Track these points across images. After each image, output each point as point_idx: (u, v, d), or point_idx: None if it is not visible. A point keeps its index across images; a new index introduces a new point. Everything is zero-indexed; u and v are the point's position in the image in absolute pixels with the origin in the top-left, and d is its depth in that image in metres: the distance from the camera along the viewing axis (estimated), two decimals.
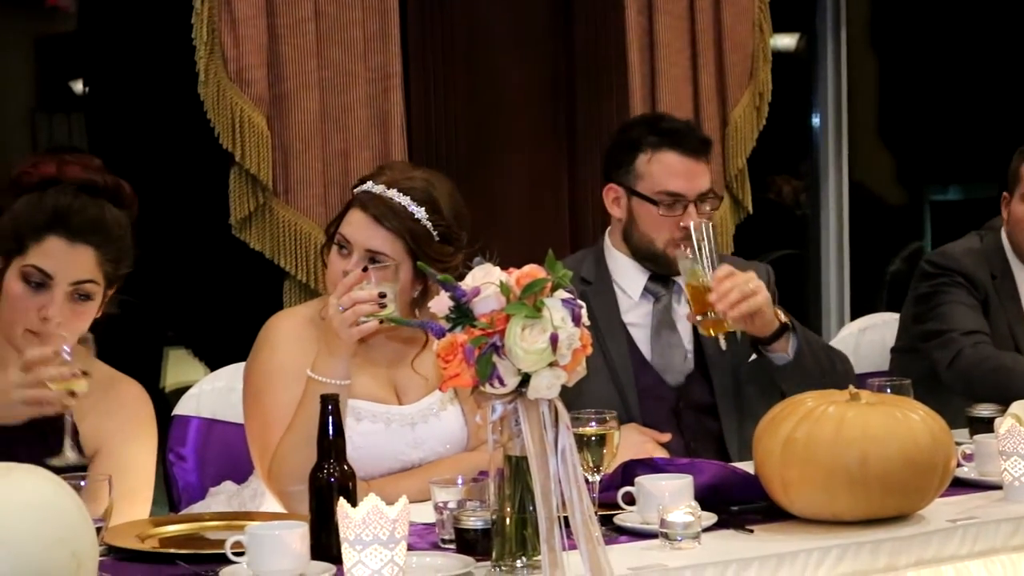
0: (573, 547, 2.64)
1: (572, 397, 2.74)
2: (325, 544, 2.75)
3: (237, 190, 4.68)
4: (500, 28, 5.22)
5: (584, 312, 2.67)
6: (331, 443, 2.84)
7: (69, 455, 2.95)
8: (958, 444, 3.32)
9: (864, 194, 6.61)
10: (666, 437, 3.86)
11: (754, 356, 4.03)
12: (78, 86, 5.56)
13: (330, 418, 2.85)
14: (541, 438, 2.64)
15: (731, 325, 3.71)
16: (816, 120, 6.34)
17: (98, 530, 2.74)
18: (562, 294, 2.65)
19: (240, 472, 3.70)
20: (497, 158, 5.22)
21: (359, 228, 3.40)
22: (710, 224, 3.75)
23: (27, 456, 2.69)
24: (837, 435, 3.00)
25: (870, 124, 7.04)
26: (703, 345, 4.04)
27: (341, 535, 2.61)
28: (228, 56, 4.61)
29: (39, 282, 3.21)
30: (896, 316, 4.78)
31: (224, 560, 2.70)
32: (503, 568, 2.71)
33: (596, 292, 4.00)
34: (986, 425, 3.60)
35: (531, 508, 2.66)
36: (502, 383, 2.61)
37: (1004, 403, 3.67)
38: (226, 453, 3.82)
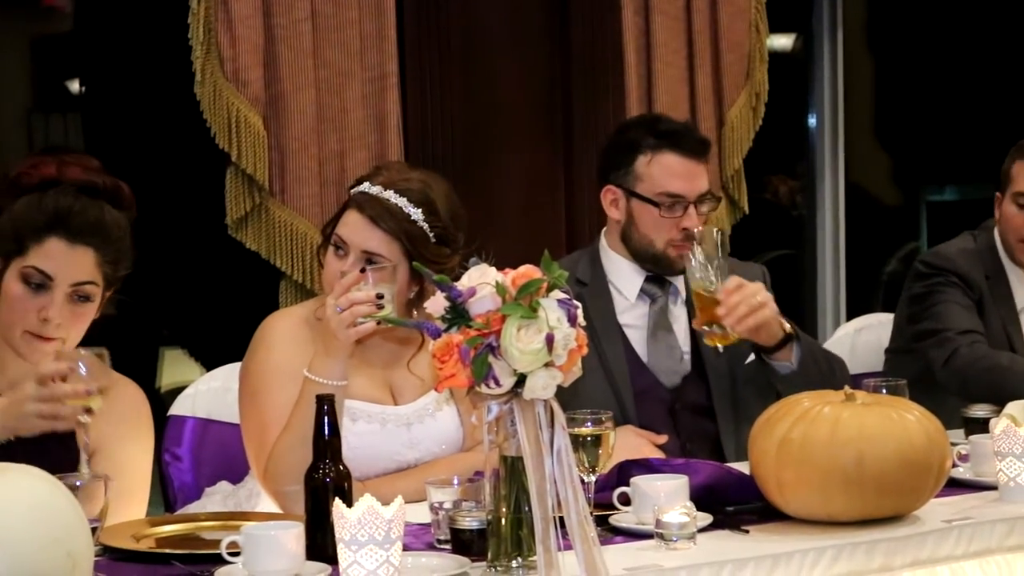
0: (569, 547, 2.64)
1: (568, 398, 2.74)
2: (321, 544, 2.76)
3: (233, 190, 4.68)
4: (496, 28, 5.22)
5: (580, 312, 2.67)
6: (327, 443, 2.85)
7: (84, 473, 2.95)
8: (953, 445, 3.32)
9: (860, 195, 6.61)
10: (662, 439, 3.86)
11: (752, 358, 4.04)
12: (74, 86, 5.56)
13: (326, 418, 2.85)
14: (537, 438, 2.64)
15: (736, 337, 3.72)
16: (812, 120, 6.34)
17: (94, 530, 2.74)
18: (558, 294, 2.66)
19: (236, 472, 3.70)
20: (493, 158, 5.22)
21: (355, 229, 3.40)
22: (721, 232, 3.75)
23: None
24: (833, 436, 3.00)
25: (866, 125, 7.04)
26: (699, 346, 4.04)
27: (337, 535, 2.61)
28: (224, 56, 4.61)
29: (39, 283, 3.21)
30: (892, 316, 4.79)
31: (220, 560, 2.70)
32: (499, 568, 2.72)
33: (592, 293, 4.00)
34: (981, 426, 3.60)
35: (527, 508, 2.66)
36: (498, 383, 2.61)
37: (999, 402, 3.68)
38: (222, 453, 3.82)
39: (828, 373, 3.86)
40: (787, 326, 3.82)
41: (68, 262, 3.21)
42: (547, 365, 2.62)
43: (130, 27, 5.39)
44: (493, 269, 2.67)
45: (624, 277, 4.07)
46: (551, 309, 2.63)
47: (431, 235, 3.40)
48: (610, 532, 3.02)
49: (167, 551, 2.87)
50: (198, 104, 4.62)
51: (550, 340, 2.60)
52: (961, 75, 7.05)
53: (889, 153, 7.19)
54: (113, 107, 5.48)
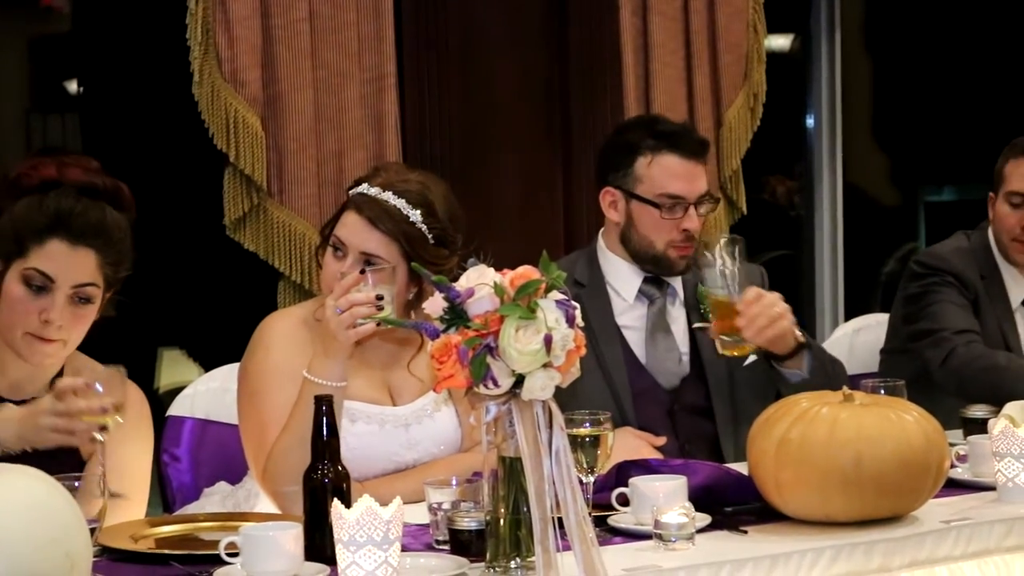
0: (567, 548, 2.64)
1: (566, 399, 2.74)
2: (319, 545, 2.76)
3: (231, 191, 4.67)
4: (494, 29, 5.22)
5: (578, 313, 2.67)
6: (325, 444, 2.85)
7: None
8: (952, 445, 3.32)
9: (858, 195, 6.61)
10: (661, 441, 3.86)
11: (751, 359, 4.04)
12: (73, 86, 5.56)
13: (324, 419, 2.85)
14: (535, 439, 2.64)
15: (751, 348, 3.72)
16: (810, 121, 6.34)
17: (92, 531, 2.74)
18: (556, 295, 2.66)
19: (234, 473, 3.70)
20: (491, 159, 5.22)
21: (354, 230, 3.40)
22: (741, 240, 3.75)
23: None
24: (831, 436, 3.00)
25: (864, 125, 7.04)
26: (699, 347, 4.04)
27: (335, 536, 2.61)
28: (222, 57, 4.60)
29: (40, 285, 3.21)
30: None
31: (218, 561, 2.70)
32: (497, 569, 2.72)
33: (590, 295, 4.00)
34: (980, 426, 3.61)
35: (525, 509, 2.66)
36: (496, 384, 2.61)
37: (996, 402, 3.68)
38: (220, 454, 3.82)
39: (834, 379, 3.86)
40: (800, 336, 3.82)
41: (69, 264, 3.21)
42: (545, 366, 2.62)
43: (128, 28, 5.38)
44: (491, 270, 2.67)
45: (622, 278, 4.07)
46: (549, 310, 2.63)
47: (429, 236, 3.40)
48: (609, 533, 3.02)
49: (166, 552, 2.87)
50: (196, 104, 4.62)
51: (548, 341, 2.60)
52: (959, 75, 7.06)
53: (887, 153, 7.19)
54: (111, 107, 5.48)
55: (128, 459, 3.27)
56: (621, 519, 3.05)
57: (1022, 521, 3.19)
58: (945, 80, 7.07)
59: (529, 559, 2.69)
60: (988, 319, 4.54)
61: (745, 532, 3.04)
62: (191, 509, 3.62)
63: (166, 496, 3.82)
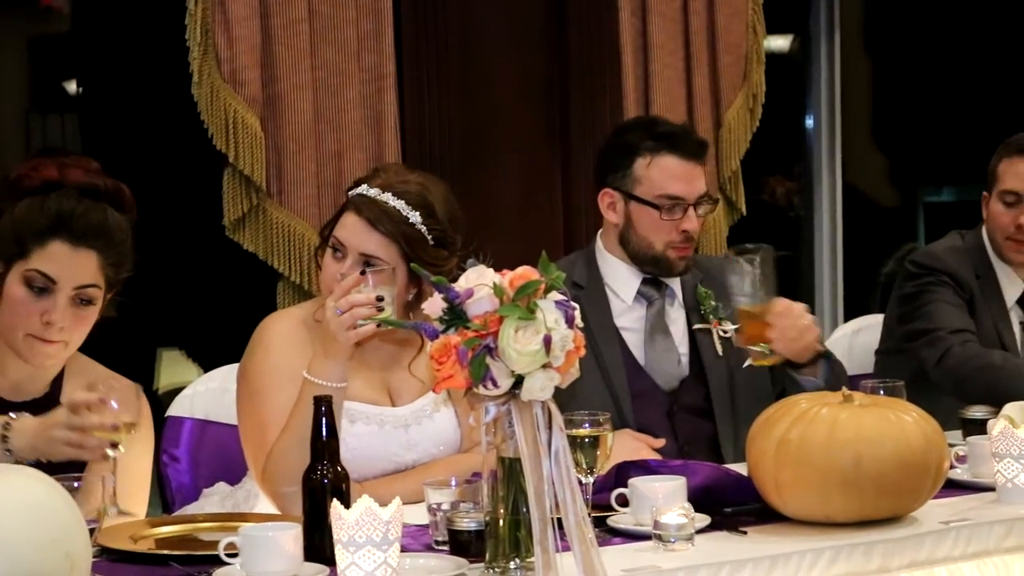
0: (567, 549, 2.64)
1: (566, 400, 2.74)
2: (319, 545, 2.75)
3: (231, 191, 4.67)
4: (494, 29, 5.22)
5: (578, 314, 2.67)
6: (324, 445, 2.85)
7: (110, 512, 2.94)
8: (951, 446, 3.32)
9: (857, 196, 6.61)
10: (660, 443, 3.86)
11: (751, 361, 4.04)
12: (72, 87, 5.56)
13: (323, 419, 2.85)
14: (534, 440, 2.64)
15: (780, 359, 3.72)
16: (810, 122, 6.34)
17: (91, 531, 2.74)
18: (555, 296, 2.66)
19: (234, 473, 3.70)
20: (491, 159, 5.22)
21: (353, 232, 3.40)
22: (771, 249, 3.75)
23: None
24: (830, 437, 3.00)
25: (863, 126, 7.04)
26: (698, 348, 4.04)
27: (334, 536, 2.61)
28: (222, 57, 4.60)
29: (42, 287, 3.20)
30: None
31: (217, 561, 2.70)
32: (496, 570, 2.72)
33: (589, 296, 3.99)
34: (979, 427, 3.61)
35: (524, 510, 2.66)
36: (495, 385, 2.61)
37: (993, 401, 3.70)
38: (220, 454, 3.82)
39: (845, 386, 3.87)
40: (819, 345, 3.82)
41: (71, 265, 3.20)
42: (545, 366, 2.62)
43: (127, 28, 5.38)
44: (491, 270, 2.67)
45: (621, 280, 4.07)
46: (549, 310, 2.63)
47: (429, 238, 3.40)
48: (608, 533, 3.02)
49: (165, 552, 2.87)
50: (195, 105, 4.62)
51: (548, 341, 2.60)
52: (958, 76, 7.05)
53: (886, 154, 7.19)
54: (110, 108, 5.48)
55: (128, 460, 3.25)
56: (620, 520, 3.05)
57: (1021, 522, 3.19)
58: (944, 81, 7.07)
59: (528, 560, 2.69)
60: (983, 318, 4.55)
61: (744, 533, 3.04)
62: (190, 509, 3.62)
63: (165, 497, 3.82)
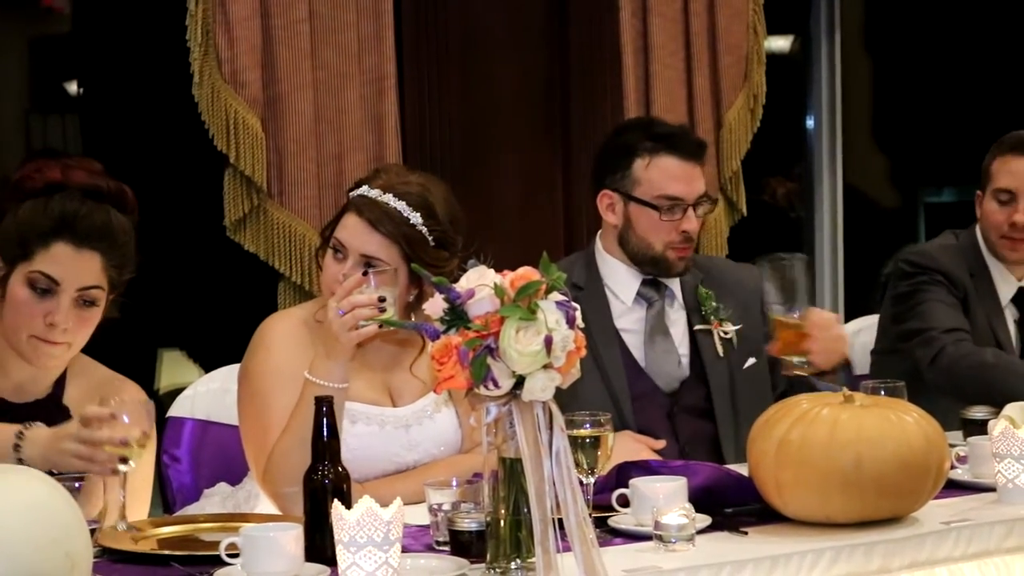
0: (567, 549, 2.64)
1: (566, 401, 2.74)
2: (320, 546, 2.76)
3: (231, 192, 4.68)
4: (494, 30, 5.22)
5: (578, 314, 2.67)
6: (325, 445, 2.85)
7: (119, 527, 2.94)
8: (952, 446, 3.32)
9: (858, 196, 6.61)
10: (661, 444, 3.86)
11: (751, 362, 4.04)
12: (72, 87, 5.56)
13: (324, 420, 2.85)
14: (535, 440, 2.64)
15: (816, 369, 3.73)
16: (810, 122, 6.34)
17: (92, 531, 2.74)
18: (556, 296, 2.66)
19: (235, 474, 3.70)
20: (491, 160, 5.22)
21: (354, 233, 3.40)
22: (805, 259, 3.75)
23: None
24: (831, 437, 3.01)
25: (864, 126, 7.04)
26: (699, 349, 4.04)
27: (336, 537, 2.61)
28: (222, 58, 4.61)
29: (45, 288, 3.20)
30: None
31: (218, 562, 2.70)
32: (497, 570, 2.72)
33: (588, 297, 3.99)
34: (980, 427, 3.61)
35: (525, 510, 2.66)
36: (496, 385, 2.61)
37: (987, 399, 3.72)
38: (221, 455, 3.82)
39: None
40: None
41: (75, 267, 3.20)
42: (546, 367, 2.62)
43: (128, 29, 5.38)
44: (491, 271, 2.67)
45: (620, 281, 4.07)
46: (550, 311, 2.63)
47: (430, 239, 3.40)
48: (609, 534, 3.02)
49: (166, 553, 2.87)
50: (196, 106, 4.62)
51: (548, 342, 2.60)
52: (959, 76, 7.05)
53: (887, 155, 7.19)
54: (111, 109, 5.47)
55: None
56: (621, 520, 3.05)
57: (1022, 522, 3.19)
58: (945, 81, 7.07)
59: (529, 560, 2.69)
60: (977, 316, 4.56)
61: (745, 533, 3.04)
62: (191, 510, 3.62)
63: (166, 497, 3.82)
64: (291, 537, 2.66)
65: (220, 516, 3.24)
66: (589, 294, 4.01)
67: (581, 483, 2.78)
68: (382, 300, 3.21)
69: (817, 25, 6.28)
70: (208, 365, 4.71)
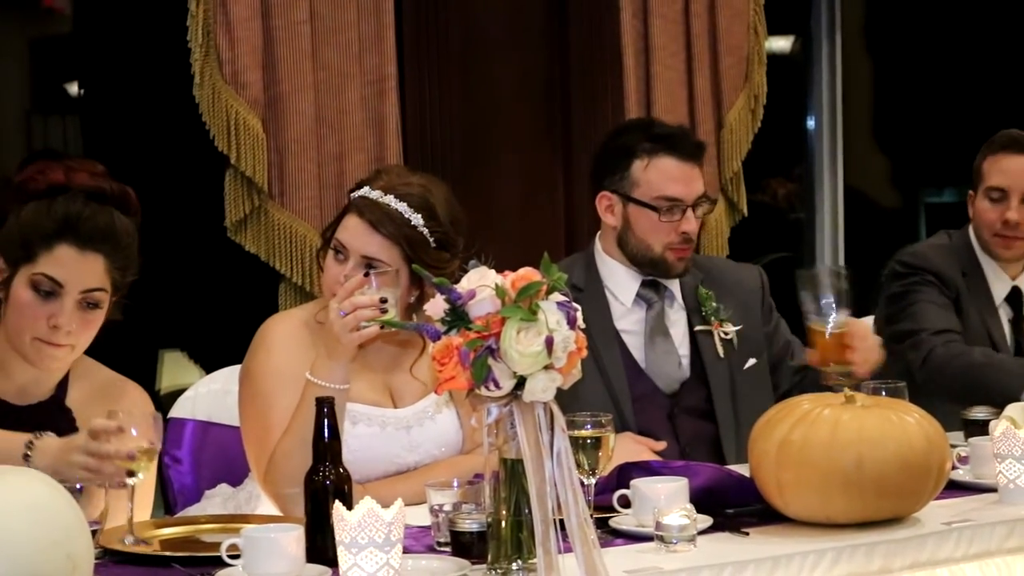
0: (569, 550, 2.64)
1: (567, 402, 2.74)
2: (321, 547, 2.76)
3: (232, 192, 4.68)
4: (495, 30, 5.22)
5: (579, 314, 2.67)
6: (327, 446, 2.85)
7: (127, 541, 2.93)
8: (953, 447, 3.32)
9: (859, 197, 6.61)
10: (661, 445, 3.85)
11: (752, 362, 4.04)
12: (73, 88, 5.56)
13: (326, 421, 2.85)
14: (537, 441, 2.64)
15: (856, 380, 3.73)
16: (811, 123, 6.34)
17: (94, 533, 2.74)
18: (557, 297, 2.66)
19: (236, 475, 3.70)
20: (492, 160, 5.22)
21: (355, 234, 3.40)
22: (845, 268, 3.74)
23: None
24: (832, 438, 3.00)
25: (865, 127, 7.04)
26: (699, 350, 4.03)
27: (337, 538, 2.61)
28: (223, 58, 4.61)
29: (49, 291, 3.20)
30: None
31: (220, 563, 2.70)
32: (498, 571, 2.72)
33: (588, 299, 3.98)
34: (981, 428, 3.61)
35: (527, 511, 2.66)
36: (497, 386, 2.61)
37: (978, 399, 3.72)
38: (222, 456, 3.82)
39: None
40: None
41: (78, 269, 3.20)
42: (547, 367, 2.62)
43: (129, 29, 5.38)
44: (492, 272, 2.67)
45: (620, 282, 4.07)
46: (550, 312, 2.63)
47: (431, 240, 3.40)
48: (610, 534, 3.02)
49: (167, 554, 2.87)
50: (197, 106, 4.62)
51: (549, 343, 2.60)
52: (960, 77, 7.05)
53: (888, 155, 7.19)
54: (112, 109, 5.47)
55: None
56: (622, 521, 3.05)
57: (1023, 523, 3.19)
58: (946, 81, 7.07)
59: (531, 561, 2.69)
60: (971, 315, 4.57)
61: (746, 534, 3.04)
62: (192, 511, 3.62)
63: (167, 498, 3.82)
64: (292, 538, 2.66)
65: (221, 517, 3.24)
66: (589, 295, 4.01)
67: (582, 484, 2.78)
68: (383, 301, 3.21)
69: (818, 26, 6.29)
70: (209, 366, 4.71)
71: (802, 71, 6.35)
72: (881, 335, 4.64)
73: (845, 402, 3.11)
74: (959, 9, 7.09)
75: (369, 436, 3.43)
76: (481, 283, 2.64)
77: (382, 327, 3.19)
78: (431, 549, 2.93)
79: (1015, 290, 4.64)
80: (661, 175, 3.99)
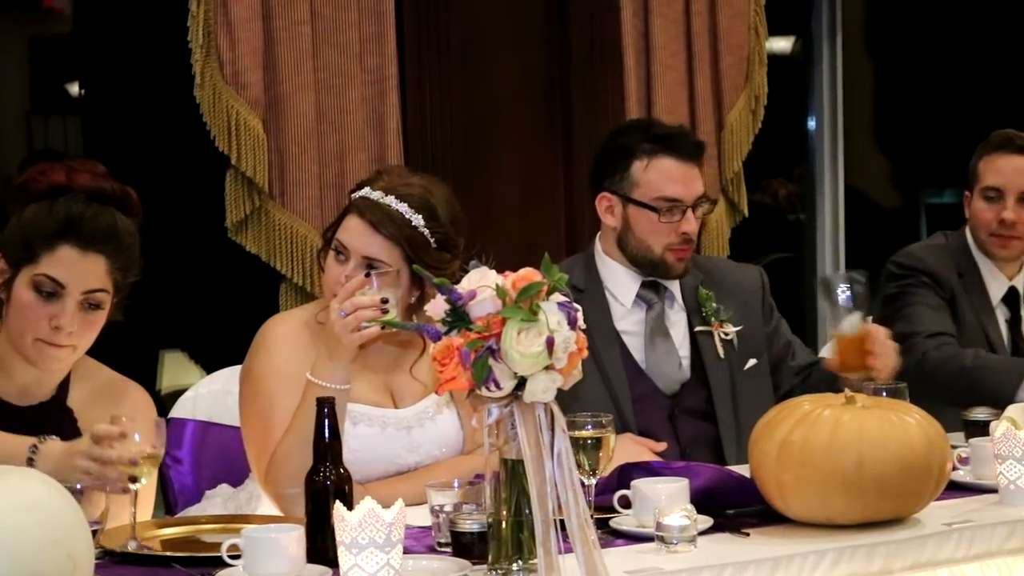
0: (569, 551, 2.64)
1: (568, 402, 2.74)
2: (321, 547, 2.76)
3: (233, 193, 4.68)
4: (496, 30, 5.22)
5: (580, 315, 2.67)
6: (327, 446, 2.85)
7: (130, 547, 2.94)
8: (954, 448, 3.32)
9: (859, 197, 6.61)
10: (662, 446, 3.85)
11: (752, 363, 4.04)
12: (74, 88, 5.56)
13: (326, 421, 2.85)
14: (537, 441, 2.64)
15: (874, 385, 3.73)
16: (812, 123, 6.34)
17: (94, 533, 2.74)
18: (558, 297, 2.66)
19: (236, 475, 3.70)
20: (492, 160, 5.22)
21: (356, 235, 3.40)
22: (865, 274, 3.75)
23: None
24: (833, 438, 3.00)
25: (866, 127, 7.04)
26: (699, 351, 4.03)
27: (337, 538, 2.61)
28: (224, 59, 4.61)
29: (51, 291, 3.20)
30: None
31: (220, 563, 2.70)
32: (499, 571, 2.72)
33: (588, 300, 3.97)
34: (981, 429, 3.61)
35: (527, 511, 2.66)
36: (498, 386, 2.61)
37: (972, 401, 3.71)
38: (222, 456, 3.82)
39: None
40: None
41: (80, 270, 3.20)
42: (547, 368, 2.62)
43: (130, 29, 5.38)
44: (493, 272, 2.67)
45: (620, 283, 4.07)
46: (551, 312, 2.63)
47: (432, 241, 3.40)
48: (611, 535, 3.02)
49: (168, 554, 2.87)
50: (198, 107, 4.62)
51: (550, 343, 2.60)
52: (960, 77, 7.05)
53: (888, 155, 7.19)
54: (112, 110, 5.48)
55: None
56: (623, 521, 3.05)
57: (1023, 524, 3.19)
58: (946, 82, 7.07)
59: (531, 561, 2.69)
60: (967, 316, 4.58)
61: (747, 534, 3.04)
62: (193, 511, 3.62)
63: (168, 498, 3.82)
64: (293, 538, 2.66)
65: (222, 517, 3.25)
66: (589, 296, 4.00)
67: (583, 484, 2.78)
68: (384, 302, 3.21)
69: (818, 26, 6.29)
70: (210, 366, 4.71)
71: (803, 71, 6.36)
72: None
73: (846, 403, 3.11)
74: (959, 10, 7.09)
75: (370, 436, 3.43)
76: (482, 283, 2.64)
77: (383, 327, 3.19)
78: (432, 550, 2.93)
79: (1012, 290, 4.65)
80: (661, 176, 3.99)
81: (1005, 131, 4.67)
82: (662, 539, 2.89)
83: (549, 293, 2.65)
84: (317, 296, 4.30)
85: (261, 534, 2.68)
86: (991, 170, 4.61)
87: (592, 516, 2.74)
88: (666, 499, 2.97)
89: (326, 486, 2.82)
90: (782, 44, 6.48)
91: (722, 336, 4.05)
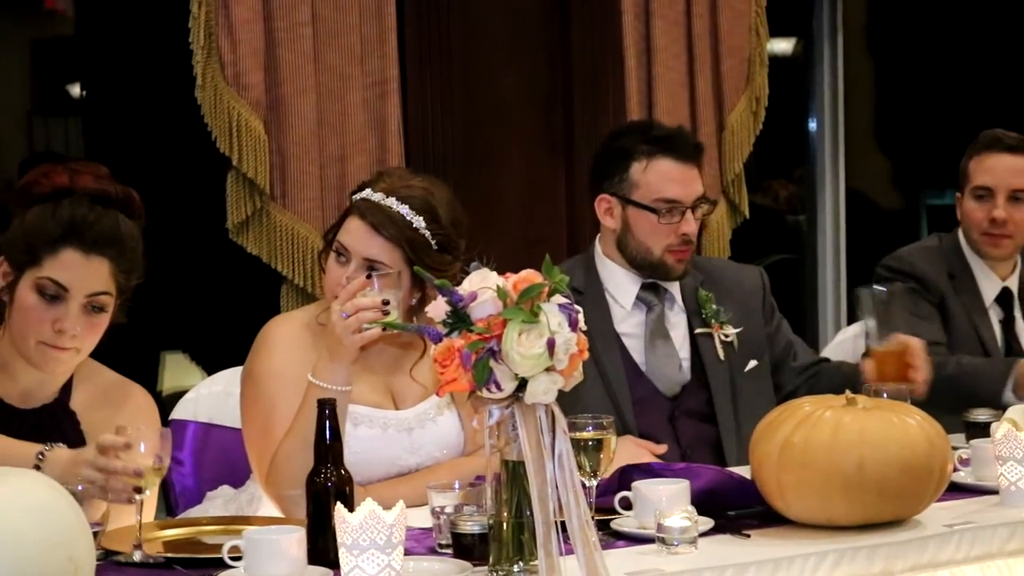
0: (570, 552, 2.64)
1: (568, 405, 2.74)
2: (322, 548, 2.76)
3: (234, 194, 4.68)
4: (497, 33, 5.23)
5: (581, 316, 2.67)
6: (328, 448, 2.85)
7: (135, 557, 2.94)
8: (955, 449, 3.32)
9: (860, 198, 6.61)
10: (662, 449, 3.85)
11: (753, 364, 4.04)
12: (75, 90, 5.56)
13: (327, 422, 2.85)
14: (538, 443, 2.64)
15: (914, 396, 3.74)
16: (813, 125, 6.34)
17: (96, 535, 2.74)
18: (559, 299, 2.66)
19: (237, 476, 3.70)
20: (494, 162, 5.22)
21: (357, 237, 3.40)
22: (901, 286, 3.75)
23: None
24: (834, 440, 3.00)
25: (867, 128, 7.04)
26: (699, 353, 4.03)
27: (338, 540, 2.61)
28: (225, 60, 4.61)
29: (54, 295, 3.20)
30: None
31: (221, 565, 2.71)
32: (500, 573, 2.72)
33: (588, 302, 3.96)
34: (982, 430, 3.61)
35: (528, 513, 2.66)
36: (499, 388, 2.61)
37: (959, 409, 3.71)
38: (223, 457, 3.82)
39: None
40: None
41: (83, 273, 3.20)
42: (548, 369, 2.62)
43: (131, 31, 5.39)
44: (494, 274, 2.67)
45: (620, 285, 4.07)
46: (552, 313, 2.63)
47: (433, 243, 3.40)
48: (611, 536, 3.02)
49: (169, 555, 2.87)
50: (199, 108, 4.62)
51: (551, 344, 2.60)
52: (961, 78, 7.05)
53: (889, 157, 7.19)
54: (114, 111, 5.48)
55: None
56: (624, 523, 3.05)
57: None
58: (947, 83, 7.07)
59: (532, 563, 2.69)
60: (958, 317, 4.57)
61: (748, 536, 3.04)
62: (194, 513, 3.62)
63: (169, 500, 3.82)
64: (294, 540, 2.66)
65: (223, 519, 3.25)
66: (589, 298, 4.00)
67: (583, 486, 2.78)
68: (385, 303, 3.21)
69: (819, 27, 6.29)
70: (211, 368, 4.71)
71: (803, 73, 6.36)
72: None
73: (847, 404, 3.11)
74: (960, 11, 7.09)
75: (371, 438, 3.44)
76: (483, 285, 2.64)
77: (384, 329, 3.19)
78: (432, 551, 2.93)
79: (1005, 291, 4.64)
80: (660, 177, 3.99)
81: (993, 131, 4.68)
82: (663, 540, 2.89)
83: (550, 295, 2.65)
84: (318, 297, 4.30)
85: (262, 536, 2.69)
86: (981, 169, 4.62)
87: (593, 517, 2.74)
88: (667, 500, 2.97)
89: (327, 488, 2.82)
90: (783, 45, 6.48)
91: (722, 338, 4.05)
